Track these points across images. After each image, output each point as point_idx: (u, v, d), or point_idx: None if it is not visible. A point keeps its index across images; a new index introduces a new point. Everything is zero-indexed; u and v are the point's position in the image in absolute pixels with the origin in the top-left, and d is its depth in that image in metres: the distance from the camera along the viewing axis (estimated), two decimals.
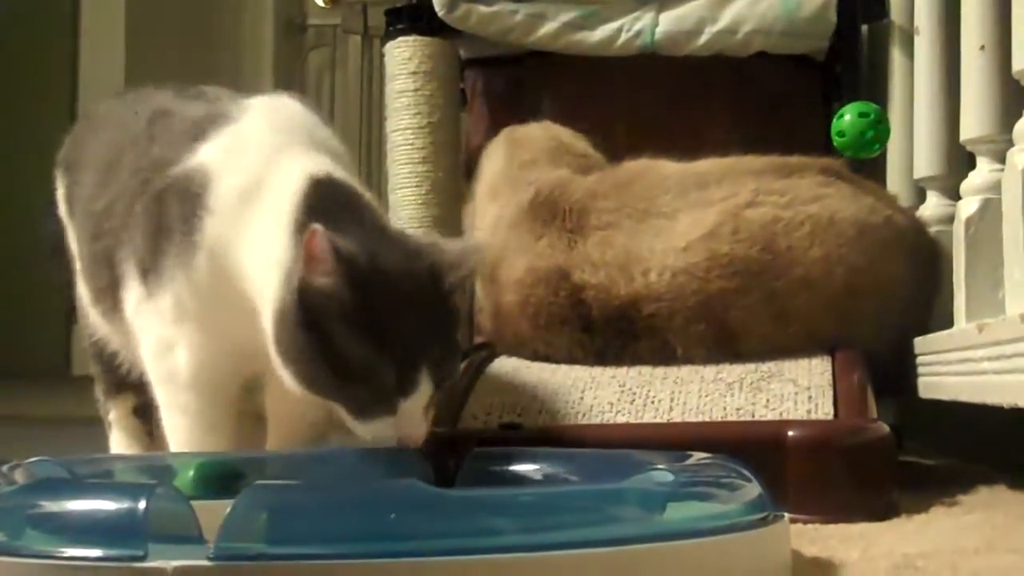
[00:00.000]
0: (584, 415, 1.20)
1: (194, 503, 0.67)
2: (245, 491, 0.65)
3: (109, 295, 1.17)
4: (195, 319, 1.08)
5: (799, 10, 1.69)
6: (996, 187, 1.15)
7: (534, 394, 1.25)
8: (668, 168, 1.41)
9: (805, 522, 1.00)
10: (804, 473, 1.05)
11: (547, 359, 1.36)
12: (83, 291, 1.27)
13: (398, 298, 0.96)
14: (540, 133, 1.57)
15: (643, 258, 1.32)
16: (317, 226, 0.93)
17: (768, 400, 1.17)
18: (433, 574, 0.62)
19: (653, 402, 1.20)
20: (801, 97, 1.76)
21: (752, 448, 1.00)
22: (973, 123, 1.21)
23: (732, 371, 1.24)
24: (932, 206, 1.45)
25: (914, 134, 1.48)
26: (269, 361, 1.02)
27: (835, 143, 1.42)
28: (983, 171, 1.21)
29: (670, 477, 0.74)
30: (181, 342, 1.09)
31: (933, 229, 1.40)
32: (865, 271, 1.29)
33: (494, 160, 1.55)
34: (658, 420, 1.17)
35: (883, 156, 1.59)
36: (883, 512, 1.04)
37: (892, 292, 1.31)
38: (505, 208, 1.45)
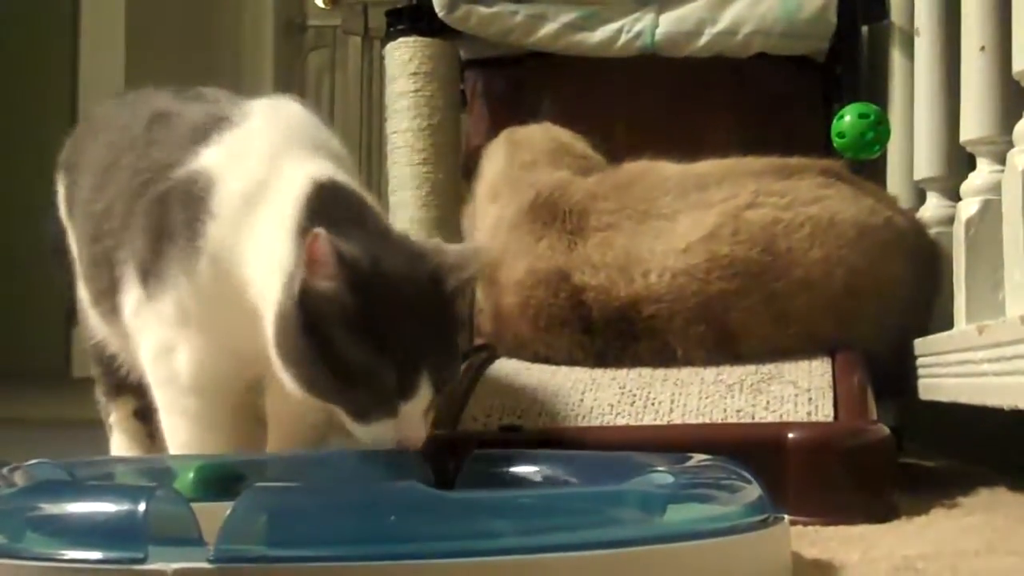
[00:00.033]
0: (584, 417, 1.20)
1: (194, 505, 0.67)
2: (245, 493, 0.65)
3: (109, 297, 1.17)
4: (196, 322, 1.08)
5: (799, 11, 1.69)
6: (996, 188, 1.15)
7: (534, 396, 1.25)
8: (668, 169, 1.41)
9: (805, 524, 1.00)
10: (804, 475, 1.05)
11: (547, 361, 1.36)
12: (83, 293, 1.27)
13: (400, 302, 0.96)
14: (540, 134, 1.57)
15: (643, 259, 1.32)
16: (319, 230, 0.93)
17: (768, 402, 1.17)
18: None
19: (653, 404, 1.20)
20: (801, 98, 1.76)
21: (752, 450, 1.00)
22: (973, 124, 1.21)
23: (732, 373, 1.24)
24: (932, 207, 1.45)
25: (914, 135, 1.48)
26: (270, 364, 1.02)
27: (835, 144, 1.42)
28: (983, 172, 1.21)
29: (670, 479, 0.74)
30: (182, 345, 1.09)
31: (933, 230, 1.40)
32: (865, 272, 1.29)
33: (494, 161, 1.55)
34: (658, 422, 1.17)
35: (883, 157, 1.59)
36: (883, 514, 1.04)
37: (892, 293, 1.31)
38: (505, 209, 1.45)
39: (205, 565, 0.61)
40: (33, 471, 0.81)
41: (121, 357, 1.25)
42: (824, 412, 1.14)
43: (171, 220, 1.08)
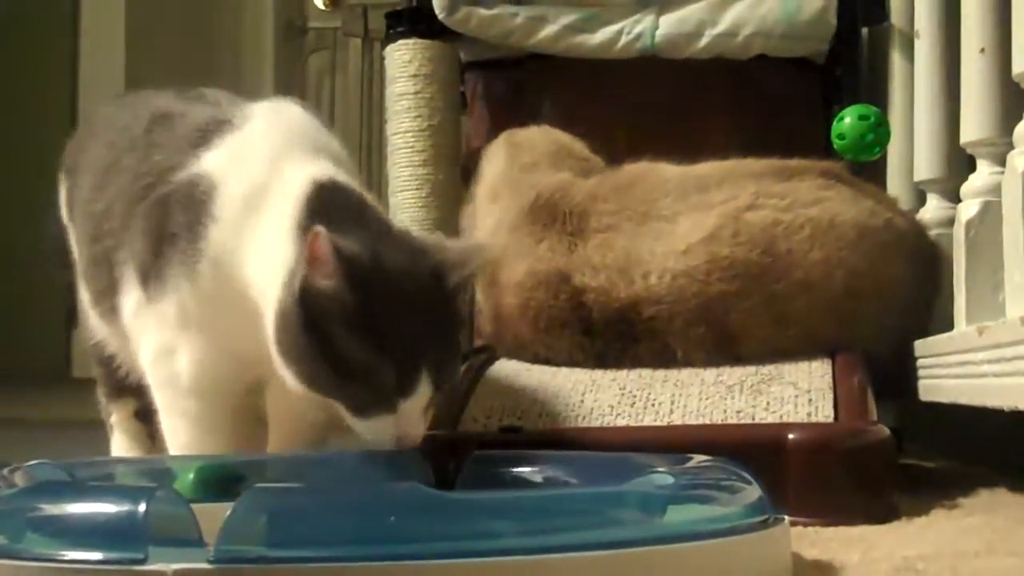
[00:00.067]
0: (584, 418, 1.20)
1: (194, 506, 0.67)
2: (245, 494, 0.65)
3: (108, 297, 1.17)
4: (197, 325, 1.08)
5: (799, 13, 1.69)
6: (996, 190, 1.15)
7: (534, 397, 1.25)
8: (668, 171, 1.41)
9: (805, 525, 1.00)
10: (804, 476, 1.05)
11: (547, 362, 1.36)
12: (83, 293, 1.27)
13: (400, 299, 0.96)
14: (541, 136, 1.57)
15: (643, 261, 1.32)
16: (319, 227, 0.93)
17: (768, 403, 1.17)
18: None
19: (653, 405, 1.20)
20: (801, 100, 1.76)
21: (752, 451, 1.00)
22: (973, 126, 1.21)
23: (732, 374, 1.24)
24: (932, 209, 1.45)
25: (914, 137, 1.48)
26: (271, 365, 1.02)
27: (835, 146, 1.42)
28: (983, 174, 1.21)
29: (670, 480, 0.74)
30: (182, 347, 1.09)
31: (933, 232, 1.40)
32: (865, 274, 1.29)
33: (494, 163, 1.55)
34: (658, 423, 1.17)
35: (883, 159, 1.59)
36: (883, 515, 1.04)
37: (892, 295, 1.31)
38: (506, 211, 1.45)
39: (205, 566, 0.61)
40: (33, 472, 0.81)
41: (120, 358, 1.25)
42: (824, 413, 1.14)
43: (172, 223, 1.08)
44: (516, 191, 1.46)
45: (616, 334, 1.32)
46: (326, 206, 1.01)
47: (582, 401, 1.23)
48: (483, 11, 1.73)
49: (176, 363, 1.10)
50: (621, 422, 1.18)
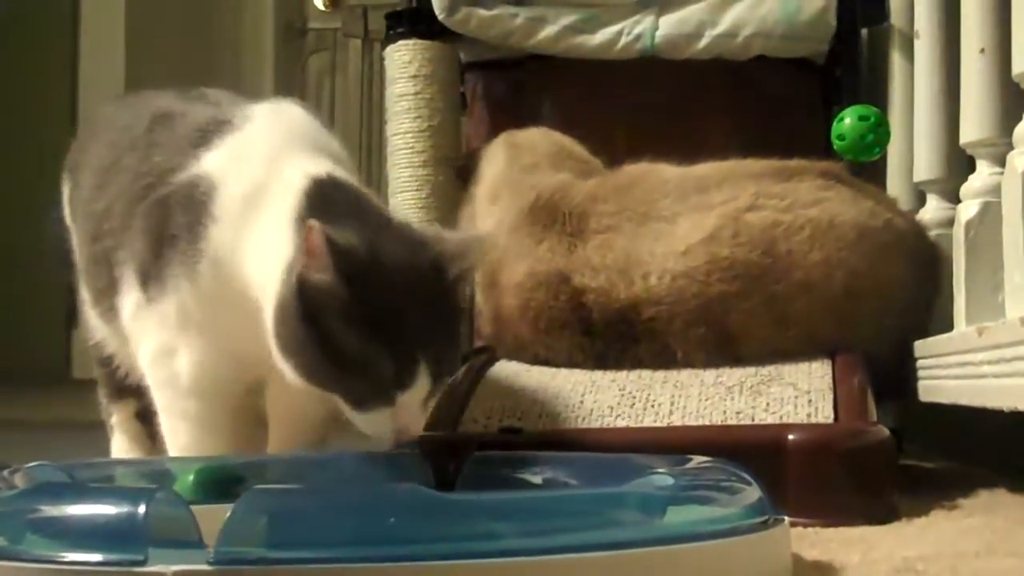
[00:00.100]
0: (584, 419, 1.20)
1: (194, 507, 0.67)
2: (245, 495, 0.65)
3: (107, 297, 1.17)
4: (197, 325, 1.08)
5: (799, 14, 1.69)
6: (996, 190, 1.15)
7: (534, 398, 1.25)
8: (668, 172, 1.41)
9: (805, 526, 1.00)
10: (804, 477, 1.05)
11: (547, 363, 1.36)
12: (83, 293, 1.27)
13: (398, 291, 0.96)
14: (541, 138, 1.57)
15: (643, 262, 1.32)
16: (313, 221, 0.93)
17: (768, 404, 1.17)
18: None
19: (653, 406, 1.20)
20: (801, 101, 1.76)
21: (752, 452, 1.00)
22: (973, 126, 1.21)
23: (732, 375, 1.24)
24: (932, 209, 1.45)
25: (914, 137, 1.48)
26: (270, 366, 1.02)
27: (835, 147, 1.42)
28: (983, 174, 1.21)
29: (670, 481, 0.74)
30: (182, 348, 1.09)
31: (933, 232, 1.40)
32: (865, 274, 1.29)
33: (494, 164, 1.55)
34: (658, 424, 1.17)
35: (883, 159, 1.59)
36: (883, 515, 1.04)
37: (892, 295, 1.31)
38: (506, 212, 1.45)
39: (205, 567, 0.61)
40: (33, 473, 0.81)
41: (119, 358, 1.25)
42: (824, 414, 1.14)
43: (172, 224, 1.08)
44: (516, 192, 1.46)
45: (616, 335, 1.32)
46: (325, 201, 1.01)
47: (582, 402, 1.23)
48: (483, 12, 1.73)
49: (176, 364, 1.10)
50: (621, 423, 1.18)
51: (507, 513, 0.68)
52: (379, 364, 0.95)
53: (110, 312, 1.17)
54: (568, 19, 1.73)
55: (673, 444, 1.02)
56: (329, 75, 4.16)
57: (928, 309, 1.34)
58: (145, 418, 1.28)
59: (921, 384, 1.28)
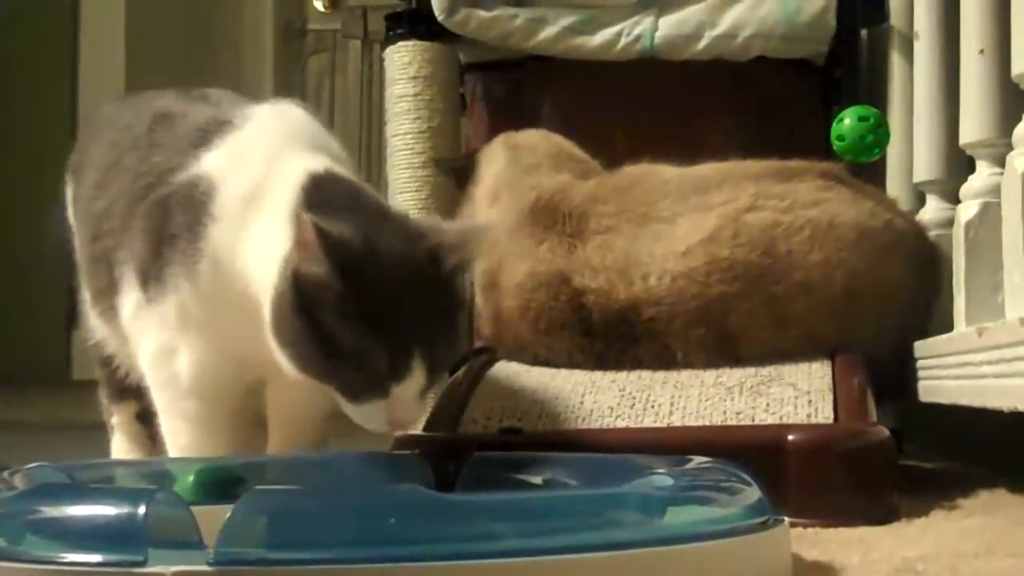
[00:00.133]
0: (584, 419, 1.20)
1: (194, 508, 0.67)
2: (245, 496, 0.65)
3: (107, 296, 1.17)
4: (197, 325, 1.08)
5: (799, 14, 1.69)
6: (996, 191, 1.15)
7: (534, 398, 1.25)
8: (668, 172, 1.41)
9: (805, 526, 1.00)
10: (804, 477, 1.05)
11: (547, 363, 1.36)
12: (84, 293, 1.27)
13: (393, 283, 0.96)
14: (540, 139, 1.57)
15: (643, 262, 1.32)
16: (305, 214, 0.93)
17: (768, 404, 1.17)
18: None
19: (653, 406, 1.20)
20: (801, 101, 1.76)
21: (752, 452, 1.00)
22: (972, 127, 1.21)
23: (732, 375, 1.24)
24: (932, 210, 1.45)
25: (914, 138, 1.48)
26: (271, 366, 1.02)
27: (835, 147, 1.42)
28: (982, 175, 1.21)
29: (670, 481, 0.74)
30: (182, 348, 1.09)
31: (933, 233, 1.40)
32: (865, 275, 1.29)
33: (494, 164, 1.55)
34: (658, 424, 1.17)
35: (883, 160, 1.59)
36: (883, 516, 1.04)
37: (892, 296, 1.31)
38: (506, 213, 1.45)
39: (205, 568, 0.61)
40: (33, 474, 0.81)
41: (119, 358, 1.25)
42: (824, 414, 1.14)
43: (172, 224, 1.08)
44: (516, 193, 1.46)
45: (616, 335, 1.32)
46: (322, 195, 1.01)
47: (582, 403, 1.23)
48: (482, 13, 1.73)
49: (176, 364, 1.10)
50: (621, 423, 1.18)
51: (507, 514, 0.68)
52: (373, 355, 0.94)
53: (110, 312, 1.17)
54: (567, 20, 1.73)
55: (673, 444, 1.02)
56: (329, 76, 4.16)
57: (928, 309, 1.34)
58: (146, 419, 1.28)
59: (921, 384, 1.28)
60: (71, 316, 1.36)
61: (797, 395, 1.17)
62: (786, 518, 0.78)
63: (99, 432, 1.39)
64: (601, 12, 1.73)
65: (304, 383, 1.01)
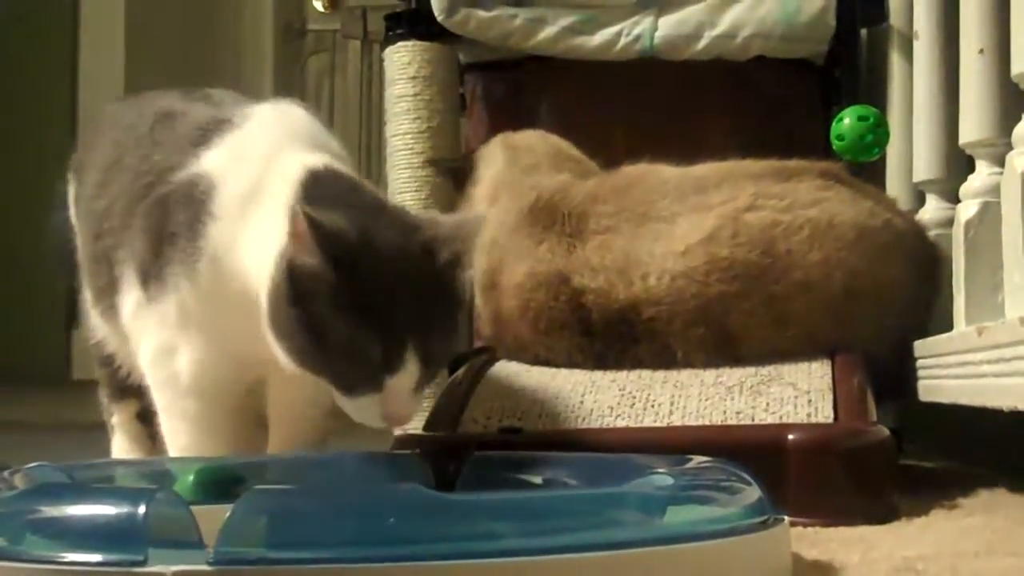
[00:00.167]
0: (584, 419, 1.20)
1: (194, 508, 0.67)
2: (245, 496, 0.65)
3: (107, 295, 1.17)
4: (197, 324, 1.08)
5: (798, 14, 1.69)
6: (995, 190, 1.15)
7: (534, 398, 1.25)
8: (667, 172, 1.41)
9: (805, 525, 1.00)
10: (804, 476, 1.05)
11: (547, 363, 1.37)
12: (85, 292, 1.27)
13: (387, 275, 0.95)
14: (538, 139, 1.57)
15: (642, 262, 1.32)
16: (299, 206, 0.93)
17: (768, 404, 1.17)
18: None
19: (653, 406, 1.20)
20: (800, 101, 1.76)
21: (752, 452, 1.00)
22: (972, 126, 1.21)
23: (732, 375, 1.24)
24: (931, 209, 1.45)
25: (913, 138, 1.48)
26: (271, 365, 1.02)
27: (834, 147, 1.42)
28: (982, 174, 1.21)
29: (670, 481, 0.74)
30: (182, 347, 1.09)
31: (932, 232, 1.40)
32: (864, 274, 1.29)
33: (493, 165, 1.55)
34: (658, 424, 1.17)
35: (882, 160, 1.59)
36: (883, 515, 1.04)
37: (892, 295, 1.31)
38: (506, 213, 1.45)
39: (205, 567, 0.61)
40: (33, 474, 0.81)
41: (120, 357, 1.25)
42: (824, 414, 1.14)
43: (172, 222, 1.08)
44: (516, 193, 1.47)
45: (616, 335, 1.32)
46: (321, 190, 1.01)
47: (582, 402, 1.23)
48: (482, 13, 1.73)
49: (176, 363, 1.10)
50: (621, 423, 1.18)
51: (507, 513, 0.68)
52: (366, 347, 0.94)
53: (111, 311, 1.17)
54: (567, 20, 1.73)
55: (673, 444, 1.02)
56: (328, 76, 4.16)
57: (928, 309, 1.34)
58: (146, 418, 1.28)
59: (921, 384, 1.28)
60: (71, 316, 1.36)
61: (797, 395, 1.17)
62: (786, 517, 0.78)
63: (99, 432, 1.39)
64: (601, 12, 1.73)
65: (304, 382, 1.01)
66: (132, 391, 1.27)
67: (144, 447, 1.33)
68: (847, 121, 1.40)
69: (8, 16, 3.86)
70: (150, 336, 1.11)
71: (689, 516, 0.71)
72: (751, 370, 1.24)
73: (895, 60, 1.66)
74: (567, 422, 1.20)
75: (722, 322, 1.28)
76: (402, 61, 1.75)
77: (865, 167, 1.48)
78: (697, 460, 0.84)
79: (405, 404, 0.97)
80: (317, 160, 1.05)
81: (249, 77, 3.97)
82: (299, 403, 1.15)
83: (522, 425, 1.20)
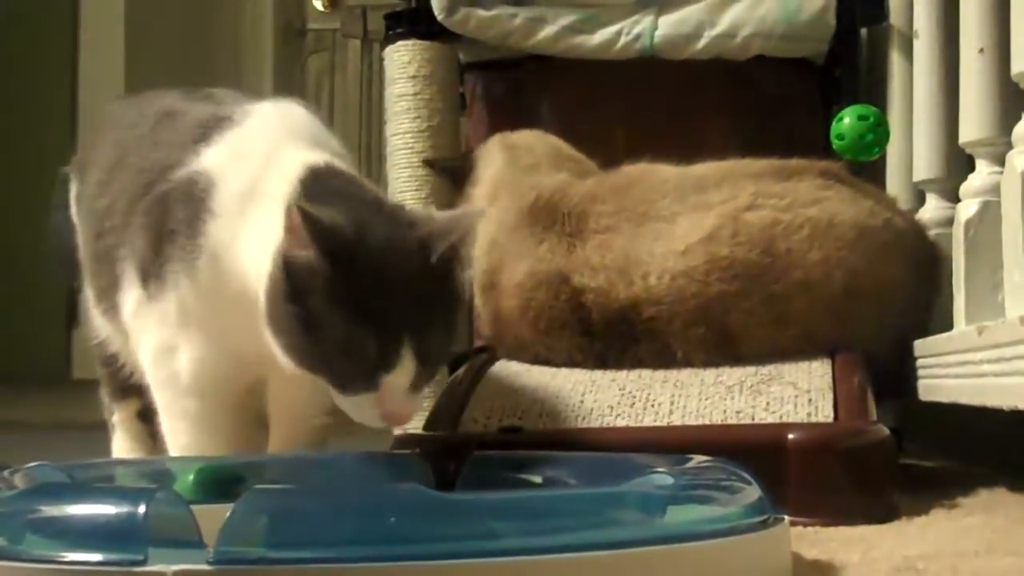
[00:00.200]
0: (584, 418, 1.20)
1: (194, 507, 0.67)
2: (245, 495, 0.65)
3: (109, 295, 1.17)
4: (197, 323, 1.08)
5: (798, 13, 1.69)
6: (995, 190, 1.15)
7: (534, 397, 1.25)
8: (667, 172, 1.41)
9: (805, 525, 1.00)
10: (804, 476, 1.05)
11: (547, 363, 1.36)
12: (88, 291, 1.27)
13: (382, 270, 0.95)
14: (536, 139, 1.57)
15: (642, 262, 1.32)
16: (296, 201, 0.93)
17: (768, 403, 1.17)
18: None
19: (653, 405, 1.20)
20: (800, 100, 1.76)
21: (752, 451, 1.00)
22: (972, 126, 1.21)
23: (732, 374, 1.24)
24: (931, 209, 1.45)
25: (913, 137, 1.48)
26: (271, 364, 1.02)
27: (834, 146, 1.42)
28: (982, 174, 1.21)
29: (670, 480, 0.74)
30: (183, 346, 1.09)
31: (933, 232, 1.40)
32: (865, 274, 1.29)
33: (492, 165, 1.55)
34: (658, 423, 1.17)
35: (882, 159, 1.59)
36: (883, 515, 1.04)
37: (892, 295, 1.31)
38: (505, 213, 1.45)
39: (205, 567, 0.61)
40: (33, 473, 0.81)
41: (123, 357, 1.25)
42: (824, 413, 1.14)
43: (172, 220, 1.08)
44: (516, 192, 1.46)
45: (616, 334, 1.32)
46: (319, 187, 1.01)
47: (582, 402, 1.23)
48: (482, 12, 1.73)
49: (176, 362, 1.10)
50: (621, 422, 1.18)
51: (507, 513, 0.68)
52: (362, 344, 0.94)
53: (113, 310, 1.17)
54: (567, 19, 1.73)
55: (673, 443, 1.02)
56: (328, 75, 4.16)
57: (928, 308, 1.34)
58: (147, 417, 1.28)
59: (921, 383, 1.28)
60: (71, 315, 1.36)
61: (797, 394, 1.17)
62: (786, 517, 0.78)
63: (99, 431, 1.39)
64: (601, 11, 1.73)
65: (304, 381, 1.01)
66: (133, 390, 1.27)
67: (145, 446, 1.33)
68: (847, 120, 1.40)
69: (8, 16, 3.86)
70: (150, 335, 1.11)
71: (689, 515, 0.71)
72: (751, 369, 1.24)
73: (895, 59, 1.66)
74: (567, 422, 1.20)
75: (722, 321, 1.28)
76: (402, 60, 1.75)
77: (865, 166, 1.48)
78: (697, 459, 0.84)
79: (402, 403, 0.97)
80: (317, 158, 1.05)
81: (249, 77, 3.97)
82: (299, 403, 1.15)
83: (522, 424, 1.20)
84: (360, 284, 0.94)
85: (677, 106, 1.73)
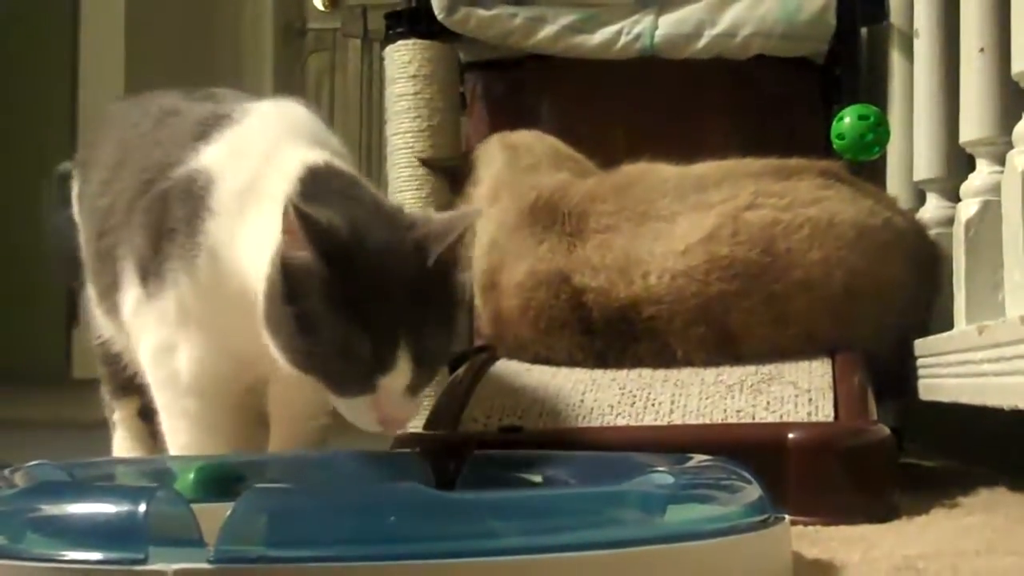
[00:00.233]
0: (584, 418, 1.20)
1: (194, 506, 0.67)
2: (245, 494, 0.65)
3: (111, 294, 1.17)
4: (196, 321, 1.08)
5: (798, 13, 1.69)
6: (996, 189, 1.15)
7: (534, 397, 1.25)
8: (667, 171, 1.41)
9: (806, 524, 1.00)
10: (805, 475, 1.05)
11: (547, 362, 1.37)
12: (90, 290, 1.27)
13: (378, 271, 0.95)
14: (535, 139, 1.57)
15: (642, 261, 1.32)
16: (293, 202, 0.93)
17: (768, 402, 1.17)
18: None
19: (653, 404, 1.20)
20: (800, 100, 1.76)
21: (752, 450, 1.00)
22: (972, 125, 1.21)
23: (732, 373, 1.24)
24: (932, 208, 1.45)
25: (914, 136, 1.48)
26: (270, 363, 1.02)
27: (834, 146, 1.42)
28: (983, 173, 1.21)
29: (670, 479, 0.74)
30: (182, 345, 1.09)
31: (933, 231, 1.40)
32: (865, 273, 1.29)
33: (492, 165, 1.55)
34: (658, 423, 1.17)
35: (883, 158, 1.59)
36: (884, 514, 1.04)
37: (892, 294, 1.31)
38: (506, 212, 1.45)
39: (205, 566, 0.61)
40: (33, 472, 0.81)
41: (125, 356, 1.25)
42: (824, 412, 1.14)
43: (171, 218, 1.08)
44: (516, 192, 1.47)
45: (616, 334, 1.33)
46: (318, 186, 1.01)
47: (582, 401, 1.23)
48: (482, 12, 1.73)
49: (176, 361, 1.10)
50: (621, 422, 1.18)
51: (507, 512, 0.68)
52: (357, 344, 0.93)
53: (115, 309, 1.17)
54: (567, 19, 1.73)
55: (673, 443, 1.02)
56: (328, 75, 4.16)
57: (928, 308, 1.34)
58: (147, 416, 1.28)
59: (921, 383, 1.28)
60: (71, 315, 1.36)
61: (797, 393, 1.18)
62: (786, 516, 0.78)
63: (100, 430, 1.39)
64: (601, 11, 1.73)
65: (304, 381, 1.01)
66: (134, 388, 1.26)
67: (145, 444, 1.33)
68: (847, 120, 1.40)
69: (8, 16, 3.86)
70: (150, 333, 1.11)
71: (689, 515, 0.71)
72: (751, 369, 1.24)
73: (895, 59, 1.66)
74: (567, 421, 1.20)
75: (722, 321, 1.28)
76: (402, 60, 1.75)
77: (865, 166, 1.48)
78: (697, 459, 0.84)
79: (399, 406, 0.96)
80: (317, 157, 1.05)
81: (249, 76, 3.97)
82: (300, 402, 1.15)
83: (522, 424, 1.20)
84: (356, 286, 0.94)
85: (677, 106, 1.73)
